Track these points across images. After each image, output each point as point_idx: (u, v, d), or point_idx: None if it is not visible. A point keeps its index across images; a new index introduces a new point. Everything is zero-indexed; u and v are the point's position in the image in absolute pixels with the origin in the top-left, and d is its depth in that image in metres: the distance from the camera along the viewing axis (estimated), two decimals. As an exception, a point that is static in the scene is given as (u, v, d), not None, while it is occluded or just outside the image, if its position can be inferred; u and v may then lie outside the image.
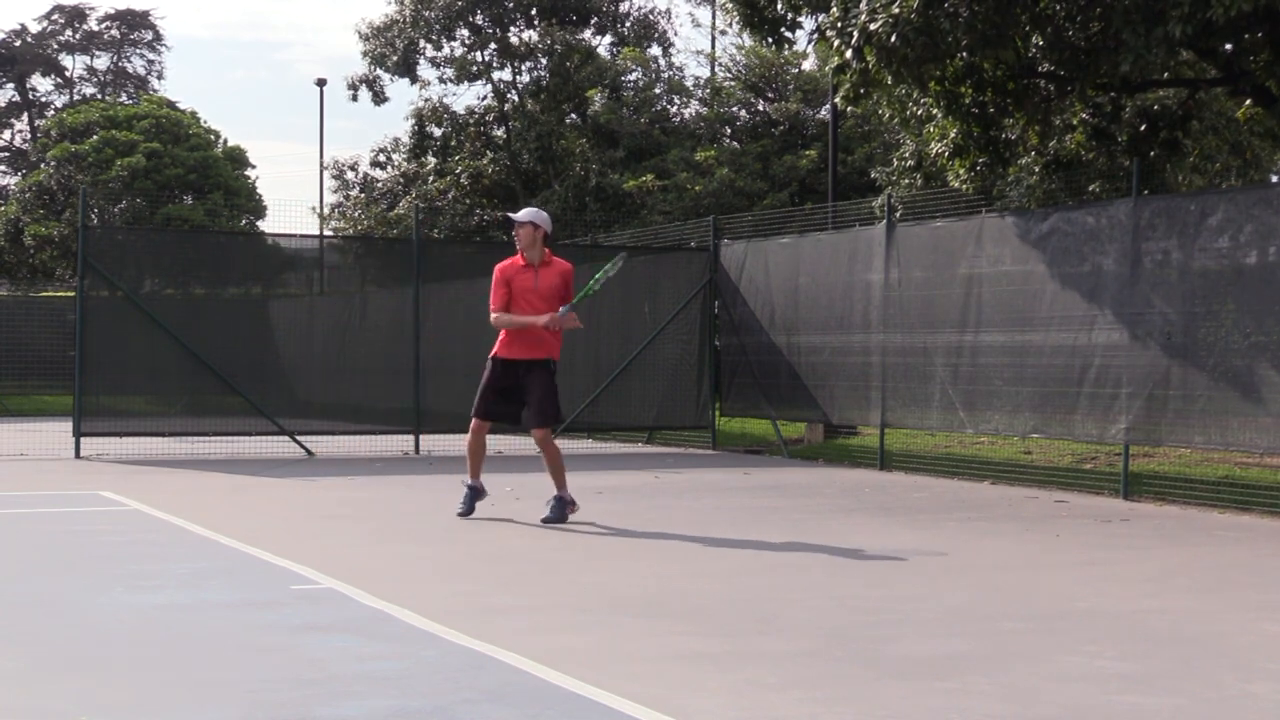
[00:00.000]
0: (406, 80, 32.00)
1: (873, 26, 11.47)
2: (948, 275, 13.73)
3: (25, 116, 56.89)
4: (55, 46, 57.76)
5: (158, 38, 59.11)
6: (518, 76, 32.08)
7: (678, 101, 31.78)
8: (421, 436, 16.51)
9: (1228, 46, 12.63)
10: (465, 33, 31.65)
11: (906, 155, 16.51)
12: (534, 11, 31.43)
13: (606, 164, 28.91)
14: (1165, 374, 11.43)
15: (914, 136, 15.94)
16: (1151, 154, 14.21)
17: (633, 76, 31.12)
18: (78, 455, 15.26)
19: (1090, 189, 15.00)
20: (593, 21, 32.32)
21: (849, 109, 14.84)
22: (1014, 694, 4.96)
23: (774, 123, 30.10)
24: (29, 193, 35.99)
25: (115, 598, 6.67)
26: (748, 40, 28.46)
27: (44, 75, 58.04)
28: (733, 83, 31.68)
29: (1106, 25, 11.93)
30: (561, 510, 9.71)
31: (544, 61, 31.11)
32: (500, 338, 9.84)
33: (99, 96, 54.19)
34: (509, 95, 32.21)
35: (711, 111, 30.89)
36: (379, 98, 32.19)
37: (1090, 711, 4.74)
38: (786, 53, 29.20)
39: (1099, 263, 12.11)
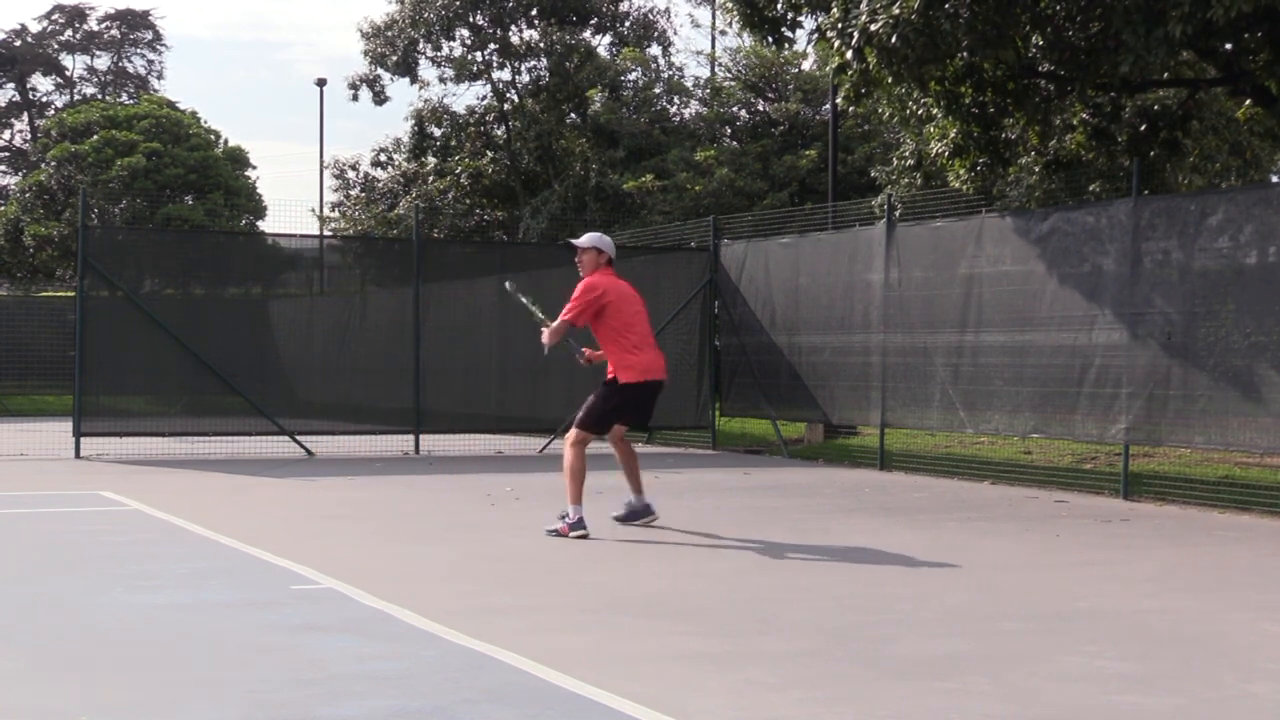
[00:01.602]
0: (407, 80, 32.01)
1: (873, 27, 11.47)
2: (948, 275, 13.73)
3: (25, 116, 56.90)
4: (55, 46, 57.76)
5: (158, 38, 59.15)
6: (517, 76, 32.09)
7: (678, 101, 31.77)
8: (421, 436, 16.51)
9: (1228, 46, 12.63)
10: (465, 32, 31.66)
11: (906, 154, 16.51)
12: (534, 11, 31.43)
13: (606, 164, 28.91)
14: (1165, 374, 11.43)
15: (914, 136, 15.94)
16: (1151, 154, 14.21)
17: (633, 76, 31.12)
18: (78, 455, 15.26)
19: (1090, 189, 15.00)
20: (592, 21, 32.32)
21: (849, 109, 14.84)
22: (1014, 694, 4.96)
23: (774, 123, 30.09)
24: (29, 193, 35.98)
25: (115, 598, 6.67)
26: (748, 40, 28.45)
27: (44, 75, 58.07)
28: (733, 83, 31.67)
29: (1106, 25, 11.93)
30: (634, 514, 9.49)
31: (544, 61, 31.11)
32: None
33: (99, 96, 54.20)
34: (509, 95, 32.21)
35: (711, 111, 30.89)
36: (379, 98, 32.18)
37: (1090, 711, 4.74)
38: (786, 53, 29.20)
39: (1099, 263, 12.11)
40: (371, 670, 5.19)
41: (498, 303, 17.45)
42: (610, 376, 9.45)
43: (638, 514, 9.66)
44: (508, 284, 10.24)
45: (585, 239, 9.55)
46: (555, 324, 9.36)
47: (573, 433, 9.37)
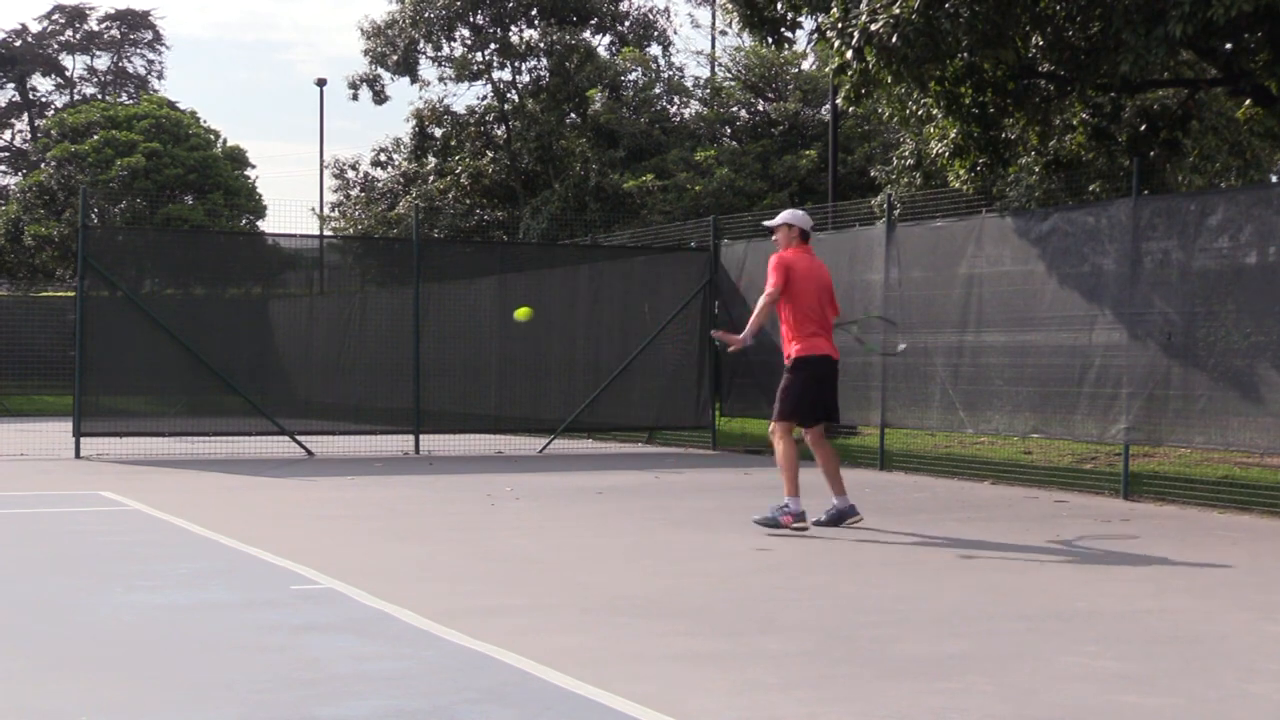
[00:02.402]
0: (407, 80, 32.03)
1: (873, 27, 11.47)
2: (948, 275, 13.73)
3: (25, 116, 56.88)
4: (55, 46, 57.74)
5: (158, 38, 59.14)
6: (518, 76, 32.10)
7: (678, 101, 31.79)
8: (421, 436, 16.51)
9: (1228, 46, 12.63)
10: (465, 32, 31.67)
11: (906, 154, 16.51)
12: (534, 11, 31.44)
13: (606, 164, 28.92)
14: (1165, 374, 11.43)
15: (914, 136, 15.94)
16: (1151, 154, 14.20)
17: (633, 76, 31.13)
18: (78, 455, 15.26)
19: (1090, 189, 15.00)
20: (592, 21, 32.33)
21: (849, 109, 14.84)
22: (1014, 694, 4.96)
23: (774, 123, 30.11)
24: (29, 193, 35.98)
25: (115, 598, 6.67)
26: (748, 40, 28.47)
27: (44, 75, 58.04)
28: (733, 83, 31.68)
29: (1106, 25, 11.93)
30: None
31: (544, 61, 31.12)
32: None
33: (99, 96, 54.20)
34: (509, 95, 32.21)
35: (711, 111, 30.90)
36: (379, 97, 32.20)
37: (1090, 711, 4.74)
38: (786, 53, 29.21)
39: (1099, 263, 12.10)
40: (371, 670, 5.19)
41: (497, 303, 17.47)
42: (787, 359, 9.44)
43: (843, 515, 9.53)
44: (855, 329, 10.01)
45: (779, 218, 9.58)
46: (762, 301, 9.39)
47: (773, 425, 9.42)
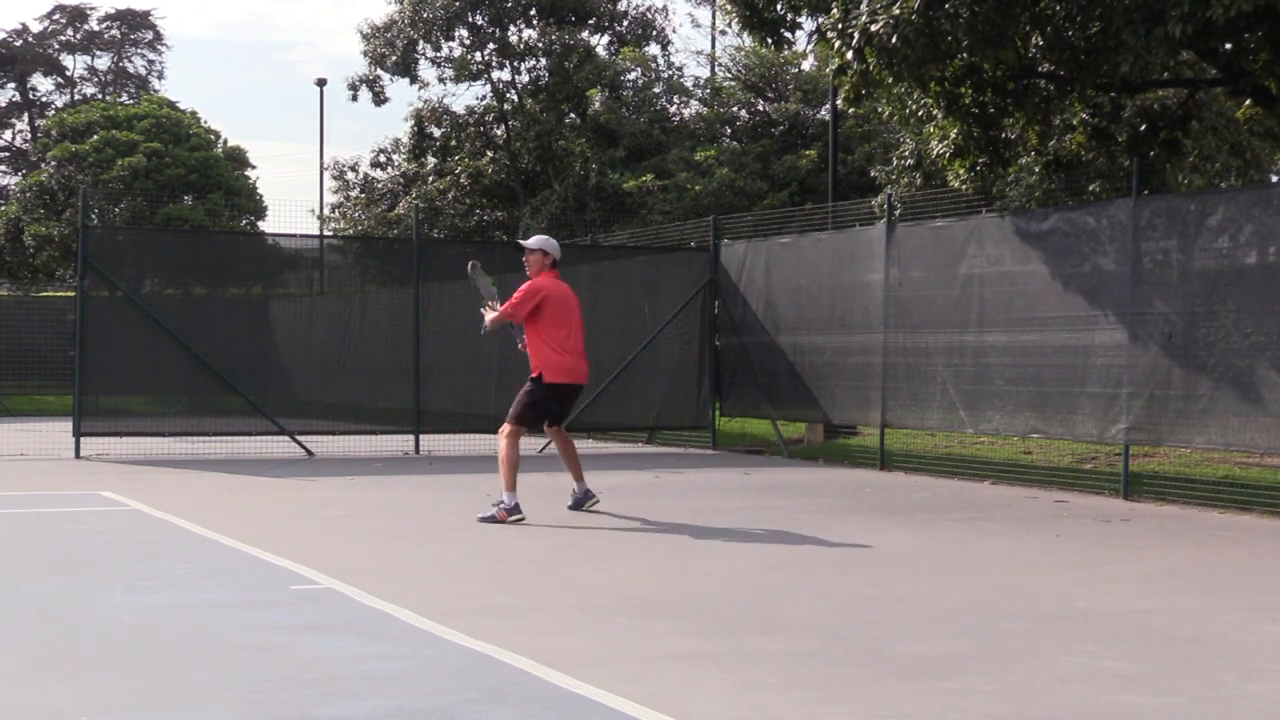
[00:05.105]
0: (406, 80, 32.01)
1: (873, 27, 11.47)
2: (948, 275, 13.73)
3: (26, 116, 56.87)
4: (56, 46, 57.75)
5: (158, 38, 59.15)
6: (517, 76, 32.09)
7: (677, 101, 31.77)
8: (421, 436, 16.51)
9: (1228, 46, 12.63)
10: (464, 32, 31.66)
11: (906, 154, 16.51)
12: (532, 11, 31.43)
13: (606, 164, 28.91)
14: (1165, 374, 11.43)
15: (914, 136, 15.93)
16: (1151, 154, 14.20)
17: (632, 76, 31.12)
18: (78, 455, 15.26)
19: (1090, 189, 14.99)
20: (590, 21, 32.31)
21: (850, 109, 14.84)
22: (1014, 694, 4.96)
23: (774, 123, 30.09)
24: (29, 193, 35.95)
25: (115, 598, 6.67)
26: (748, 40, 28.46)
27: (45, 75, 58.04)
28: (733, 83, 31.67)
29: (1106, 25, 11.93)
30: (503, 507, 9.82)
31: (543, 61, 31.11)
32: None
33: (100, 96, 54.19)
34: (508, 95, 32.21)
35: (711, 111, 30.88)
36: (379, 98, 32.18)
37: (1090, 711, 4.74)
38: (786, 53, 29.20)
39: (1099, 263, 12.11)
40: (371, 670, 5.19)
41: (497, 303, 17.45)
42: (536, 374, 10.10)
43: (582, 501, 10.40)
44: (471, 264, 10.77)
45: (533, 241, 10.37)
46: (496, 314, 10.21)
47: (506, 426, 10.05)
